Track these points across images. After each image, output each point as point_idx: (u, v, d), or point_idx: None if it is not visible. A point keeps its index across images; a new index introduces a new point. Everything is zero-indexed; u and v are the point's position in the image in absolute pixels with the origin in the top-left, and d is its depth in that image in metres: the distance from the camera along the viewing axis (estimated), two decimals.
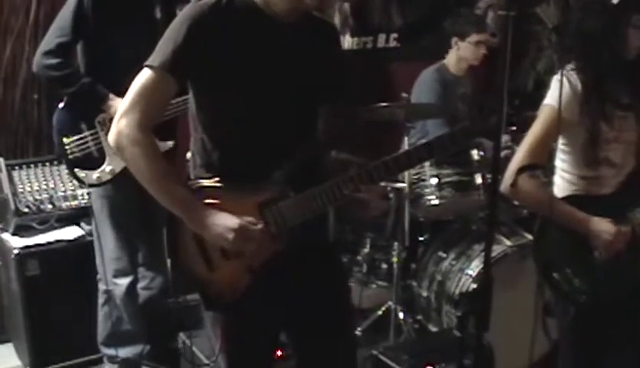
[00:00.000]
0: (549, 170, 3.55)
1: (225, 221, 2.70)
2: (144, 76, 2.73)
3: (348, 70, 3.30)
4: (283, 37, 2.78)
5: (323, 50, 2.92)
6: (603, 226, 3.29)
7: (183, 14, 2.72)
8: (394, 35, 6.44)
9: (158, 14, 4.18)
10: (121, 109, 2.75)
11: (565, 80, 3.23)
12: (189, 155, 3.03)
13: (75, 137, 4.08)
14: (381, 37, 6.39)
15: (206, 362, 4.12)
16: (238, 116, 2.78)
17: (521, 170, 3.25)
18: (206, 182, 2.85)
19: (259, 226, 2.74)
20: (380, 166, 2.75)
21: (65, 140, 4.08)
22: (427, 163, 4.69)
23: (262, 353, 3.08)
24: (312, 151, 2.86)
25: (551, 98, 3.30)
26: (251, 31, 2.74)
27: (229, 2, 2.72)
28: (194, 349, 4.36)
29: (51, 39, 4.06)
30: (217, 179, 2.83)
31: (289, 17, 2.75)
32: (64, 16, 4.04)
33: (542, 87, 3.47)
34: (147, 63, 2.73)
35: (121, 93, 3.81)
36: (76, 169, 4.10)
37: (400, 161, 2.82)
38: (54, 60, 4.00)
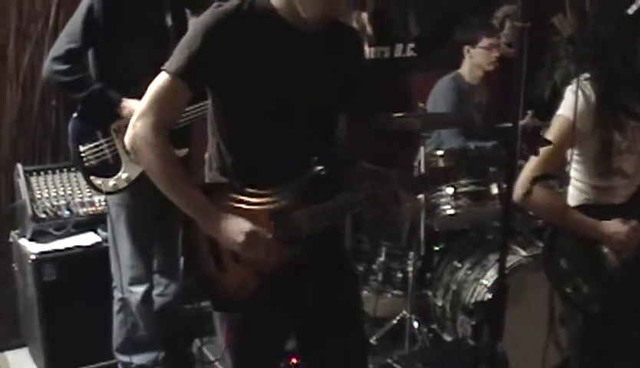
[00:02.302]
0: (564, 180, 3.55)
1: (238, 226, 2.71)
2: (160, 79, 2.75)
3: (371, 77, 3.29)
4: (302, 44, 2.77)
5: (344, 58, 2.90)
6: (615, 227, 3.30)
7: (201, 21, 2.73)
8: (411, 45, 6.44)
9: (169, 20, 4.18)
10: (137, 111, 2.77)
11: (579, 90, 3.24)
12: (207, 155, 3.04)
13: (91, 145, 4.09)
14: (398, 47, 6.39)
15: None
16: (253, 123, 2.79)
17: (534, 180, 3.25)
18: (220, 184, 2.87)
19: (270, 234, 2.74)
20: (404, 182, 2.75)
21: (81, 148, 4.09)
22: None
23: (266, 357, 3.08)
24: (331, 160, 2.83)
25: (564, 108, 3.30)
26: (269, 38, 2.74)
27: (248, 8, 2.72)
28: (208, 354, 4.38)
29: (60, 45, 4.07)
30: (232, 183, 2.84)
31: (311, 25, 2.73)
32: (75, 22, 4.06)
33: (558, 97, 3.47)
34: (164, 67, 2.75)
35: (133, 99, 3.86)
36: (92, 177, 4.11)
37: (426, 178, 2.85)
38: (63, 66, 4.01)
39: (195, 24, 2.76)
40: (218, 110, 2.85)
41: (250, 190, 2.80)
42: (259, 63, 2.71)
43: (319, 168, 2.78)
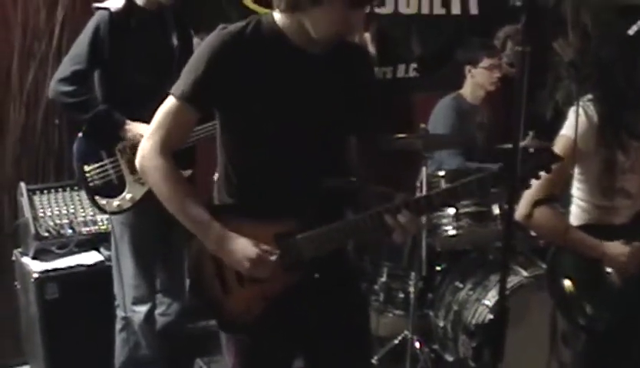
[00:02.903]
0: (566, 200, 3.56)
1: (244, 249, 2.71)
2: (168, 102, 2.77)
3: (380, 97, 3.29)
4: (309, 65, 2.76)
5: (352, 78, 2.87)
6: (616, 249, 3.30)
7: (206, 43, 2.73)
8: (414, 65, 6.46)
9: (174, 41, 4.22)
10: (146, 133, 2.80)
11: (581, 110, 3.25)
12: (216, 176, 3.05)
13: (95, 165, 4.11)
14: (401, 68, 6.42)
15: None
16: (260, 145, 2.79)
17: (536, 204, 3.26)
18: (226, 206, 2.88)
19: (275, 257, 2.74)
20: (410, 204, 2.72)
21: (86, 168, 4.12)
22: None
23: None
24: (338, 182, 2.84)
25: (567, 129, 3.31)
26: (275, 59, 2.74)
27: (254, 30, 2.72)
28: None
29: (66, 66, 4.10)
30: (239, 204, 2.85)
31: (319, 45, 2.73)
32: (80, 44, 4.09)
33: (560, 117, 3.48)
34: (171, 90, 2.76)
35: (139, 120, 3.88)
36: (96, 197, 4.13)
37: (431, 200, 2.83)
38: (68, 88, 4.04)
39: (200, 46, 2.77)
40: (225, 131, 2.85)
41: (255, 212, 2.80)
42: (265, 85, 2.72)
43: (325, 189, 2.78)
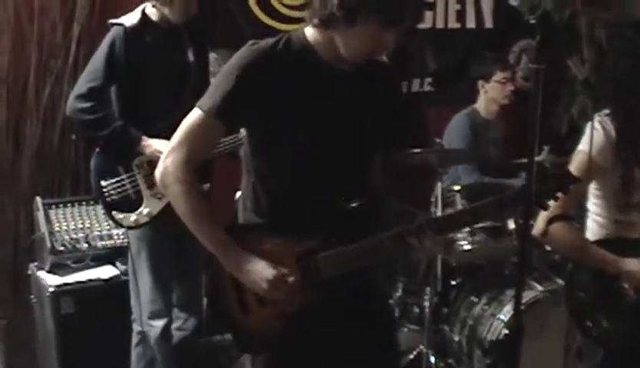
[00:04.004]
0: (582, 216, 3.55)
1: (262, 271, 2.71)
2: (193, 116, 2.74)
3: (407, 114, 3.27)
4: (338, 82, 2.74)
5: (380, 95, 2.86)
6: (634, 265, 3.29)
7: (237, 58, 2.71)
8: (429, 80, 6.46)
9: (190, 56, 4.22)
10: (169, 146, 2.77)
11: (599, 125, 3.25)
12: (238, 194, 3.04)
13: (113, 180, 4.13)
14: (416, 82, 6.42)
15: None
16: (288, 163, 2.77)
17: (551, 220, 3.25)
18: (250, 225, 2.87)
19: (294, 279, 2.73)
20: (431, 224, 2.71)
21: (103, 183, 4.13)
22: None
23: None
24: (365, 201, 2.81)
25: (584, 144, 3.30)
26: (305, 76, 2.72)
27: (284, 46, 2.71)
28: None
29: (83, 83, 4.12)
30: (266, 223, 2.83)
31: (348, 63, 2.71)
32: (97, 60, 4.11)
33: (576, 132, 3.48)
34: (198, 104, 2.74)
35: (155, 136, 3.90)
36: (114, 212, 4.14)
37: (454, 220, 2.84)
38: (86, 104, 4.05)
39: (230, 61, 2.74)
40: (254, 148, 2.83)
41: (277, 231, 2.79)
42: (295, 101, 2.70)
43: (347, 206, 2.77)
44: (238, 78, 2.66)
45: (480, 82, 5.81)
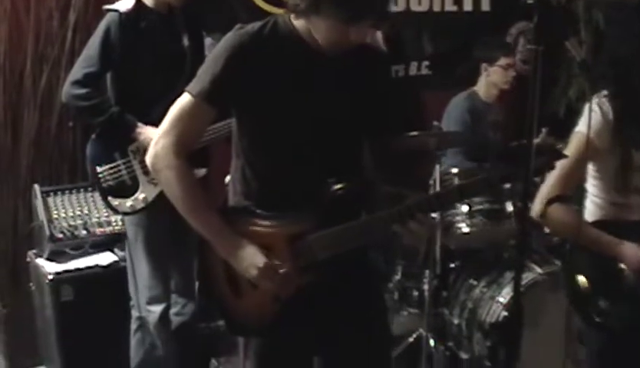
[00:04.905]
0: (581, 197, 3.55)
1: (252, 258, 2.73)
2: (183, 100, 2.76)
3: (398, 99, 3.28)
4: (326, 66, 2.75)
5: (368, 80, 2.87)
6: (632, 251, 3.28)
7: (224, 43, 2.73)
8: (426, 63, 6.45)
9: (185, 41, 4.21)
10: (159, 131, 2.79)
11: (597, 107, 3.24)
12: (227, 178, 3.05)
13: (108, 166, 4.12)
14: (413, 65, 6.41)
15: None
16: (277, 146, 2.79)
17: (550, 202, 3.25)
18: (241, 208, 2.87)
19: (284, 270, 2.74)
20: (421, 203, 2.73)
21: (98, 169, 4.12)
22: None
23: None
24: (354, 183, 2.81)
25: (582, 125, 3.29)
26: (292, 60, 2.74)
27: (271, 30, 2.73)
28: None
29: (78, 69, 4.10)
30: (255, 206, 2.84)
31: (334, 48, 2.71)
32: (92, 46, 4.09)
33: (574, 113, 3.47)
34: (187, 88, 2.75)
35: (151, 122, 3.89)
36: (109, 198, 4.13)
37: (442, 198, 2.87)
38: (82, 90, 4.04)
39: (218, 46, 2.77)
40: (242, 132, 2.85)
41: (269, 213, 2.80)
42: (282, 85, 2.72)
43: (337, 189, 2.77)
44: (226, 62, 2.68)
45: (483, 65, 5.80)
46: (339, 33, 2.64)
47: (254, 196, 2.85)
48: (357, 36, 2.66)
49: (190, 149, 2.82)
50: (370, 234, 2.80)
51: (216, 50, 2.76)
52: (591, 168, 3.41)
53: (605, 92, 3.33)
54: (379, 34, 5.98)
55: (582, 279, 3.33)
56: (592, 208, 3.46)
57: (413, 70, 6.41)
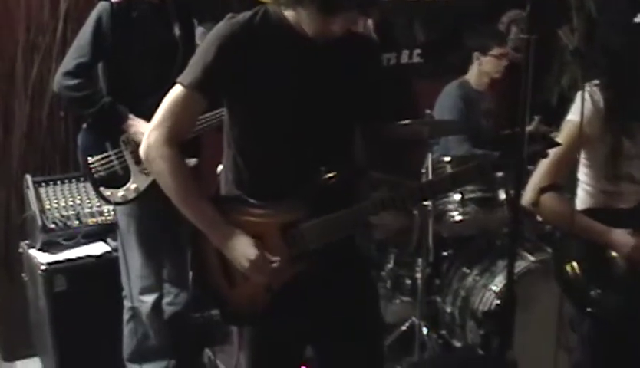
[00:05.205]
0: (572, 186, 3.55)
1: (244, 249, 2.74)
2: (175, 92, 2.76)
3: (389, 87, 3.29)
4: (316, 55, 2.75)
5: (359, 68, 2.89)
6: (623, 238, 3.28)
7: (215, 33, 2.73)
8: (418, 51, 6.44)
9: (177, 30, 4.20)
10: (152, 123, 2.79)
11: (588, 95, 3.24)
12: (220, 168, 3.05)
13: (100, 156, 4.11)
14: (405, 53, 6.40)
15: None
16: (268, 134, 2.80)
17: (542, 191, 3.26)
18: (233, 197, 2.88)
19: (276, 263, 2.75)
20: (413, 191, 2.77)
21: (90, 159, 4.11)
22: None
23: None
24: (345, 171, 2.82)
25: (574, 114, 3.30)
26: (283, 49, 2.74)
27: (262, 19, 2.73)
28: (218, 361, 4.40)
29: (70, 59, 4.09)
30: (247, 195, 2.85)
31: (320, 38, 2.72)
32: (83, 36, 4.08)
33: (566, 101, 3.47)
34: (179, 79, 2.76)
35: (143, 112, 3.89)
36: (101, 188, 4.13)
37: (435, 186, 2.89)
38: (73, 81, 4.03)
39: (209, 36, 2.77)
40: (233, 122, 2.85)
41: (260, 202, 2.80)
42: (273, 74, 2.72)
43: (329, 177, 2.77)
44: (217, 52, 2.68)
45: (476, 54, 5.80)
46: (321, 23, 2.65)
47: (245, 186, 2.86)
48: (340, 26, 2.67)
49: (183, 140, 2.82)
50: (362, 222, 2.82)
51: (207, 40, 2.77)
52: (582, 156, 3.42)
53: (596, 81, 3.34)
54: (370, 23, 5.98)
55: (573, 266, 3.34)
56: (582, 196, 3.46)
57: (404, 58, 6.40)
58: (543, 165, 3.31)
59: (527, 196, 3.33)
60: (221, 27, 2.74)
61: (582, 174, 3.46)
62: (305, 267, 2.79)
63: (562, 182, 3.43)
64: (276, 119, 2.77)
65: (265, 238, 2.77)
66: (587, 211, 3.38)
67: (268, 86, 2.73)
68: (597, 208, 3.39)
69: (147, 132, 2.79)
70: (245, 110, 2.80)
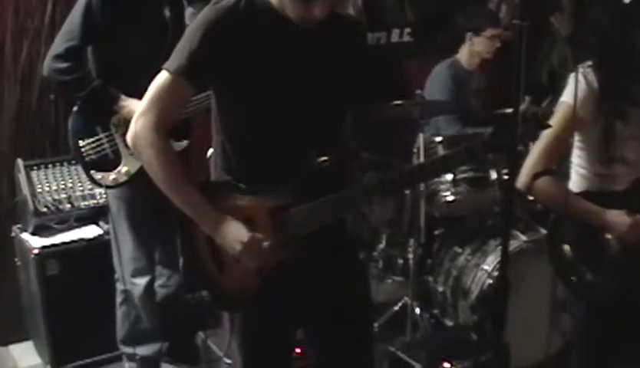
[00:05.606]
0: (566, 168, 3.56)
1: (236, 232, 2.73)
2: (161, 78, 2.74)
3: (377, 67, 3.28)
4: (302, 39, 2.74)
5: (346, 52, 2.87)
6: (618, 218, 3.28)
7: (200, 19, 2.72)
8: (408, 30, 6.43)
9: (167, 13, 4.18)
10: (139, 110, 2.77)
11: (581, 77, 3.24)
12: (210, 152, 3.04)
13: (90, 140, 4.11)
14: (395, 33, 6.38)
15: (227, 361, 4.13)
16: (256, 120, 2.79)
17: (536, 176, 3.25)
18: (223, 182, 2.88)
19: (268, 243, 2.75)
20: (404, 174, 2.78)
21: (81, 143, 4.11)
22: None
23: (278, 352, 3.08)
24: (335, 156, 2.82)
25: (567, 96, 3.29)
26: (269, 33, 2.73)
27: (246, 6, 2.71)
28: (213, 347, 4.40)
29: (60, 43, 4.07)
30: (236, 180, 2.84)
31: (304, 22, 2.71)
32: (73, 19, 4.06)
33: (556, 80, 3.46)
34: (165, 66, 2.74)
35: (134, 95, 3.88)
36: (92, 171, 4.13)
37: (426, 170, 2.91)
38: (63, 64, 4.02)
39: (194, 22, 2.75)
40: (221, 107, 2.84)
41: (250, 187, 2.80)
42: (259, 59, 2.71)
43: (318, 161, 2.77)
44: (202, 37, 2.66)
45: (469, 34, 5.79)
46: (302, 9, 2.65)
47: (235, 171, 2.85)
48: (321, 10, 2.65)
49: (170, 126, 2.81)
50: (352, 206, 2.82)
51: (192, 26, 2.75)
52: (576, 139, 3.42)
53: (589, 62, 3.33)
54: (359, 2, 5.97)
55: (566, 248, 3.34)
56: (576, 179, 3.46)
57: (395, 37, 6.39)
58: (537, 148, 3.30)
59: (521, 180, 3.32)
60: (206, 12, 2.72)
61: (576, 157, 3.45)
62: (295, 251, 2.79)
63: (555, 168, 3.42)
64: (264, 104, 2.76)
65: (255, 222, 2.76)
66: (581, 195, 3.38)
67: (254, 71, 2.72)
68: (591, 192, 3.39)
69: (134, 119, 2.77)
70: (232, 96, 2.79)
